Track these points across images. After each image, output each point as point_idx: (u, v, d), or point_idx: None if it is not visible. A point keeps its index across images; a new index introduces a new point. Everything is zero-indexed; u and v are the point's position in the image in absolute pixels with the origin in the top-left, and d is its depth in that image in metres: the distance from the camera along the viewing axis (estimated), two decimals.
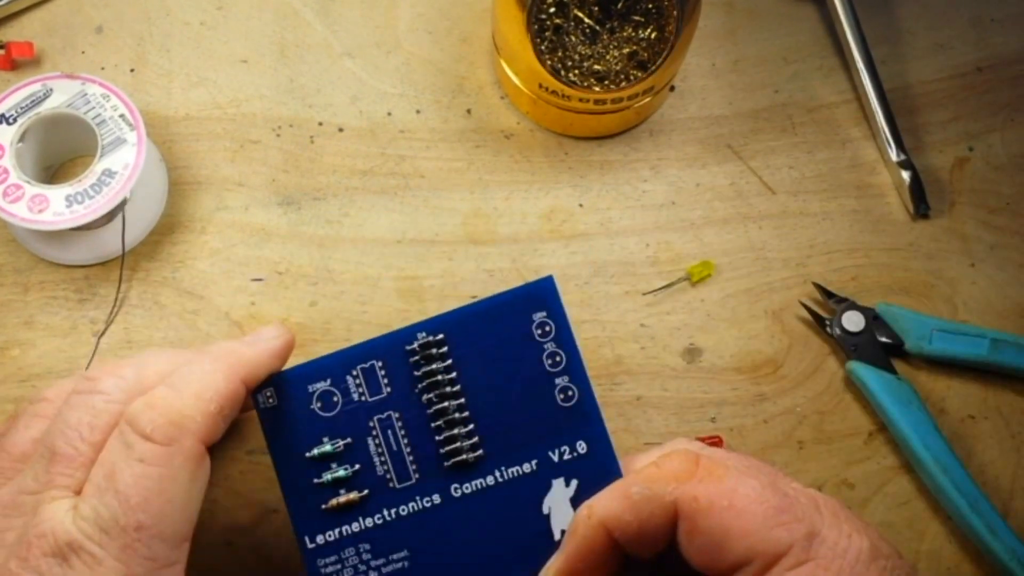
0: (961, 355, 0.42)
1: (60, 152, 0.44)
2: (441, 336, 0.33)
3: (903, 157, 0.46)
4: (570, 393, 0.33)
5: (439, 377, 0.33)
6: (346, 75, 0.47)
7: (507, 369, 0.33)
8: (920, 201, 0.45)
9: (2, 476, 0.30)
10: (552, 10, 0.40)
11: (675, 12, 0.40)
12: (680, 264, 0.44)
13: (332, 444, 0.33)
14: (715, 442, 0.41)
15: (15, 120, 0.41)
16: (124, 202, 0.41)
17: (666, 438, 0.41)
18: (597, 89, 0.42)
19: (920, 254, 0.45)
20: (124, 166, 0.40)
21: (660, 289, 0.44)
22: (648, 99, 0.44)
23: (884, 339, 0.42)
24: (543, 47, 0.41)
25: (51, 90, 0.41)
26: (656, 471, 0.29)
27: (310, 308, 0.43)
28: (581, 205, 0.45)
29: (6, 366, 0.41)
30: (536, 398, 0.33)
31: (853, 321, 0.42)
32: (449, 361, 0.33)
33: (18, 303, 0.42)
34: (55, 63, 0.46)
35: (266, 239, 0.44)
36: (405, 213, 0.44)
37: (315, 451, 0.33)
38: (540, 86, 0.43)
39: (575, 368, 0.33)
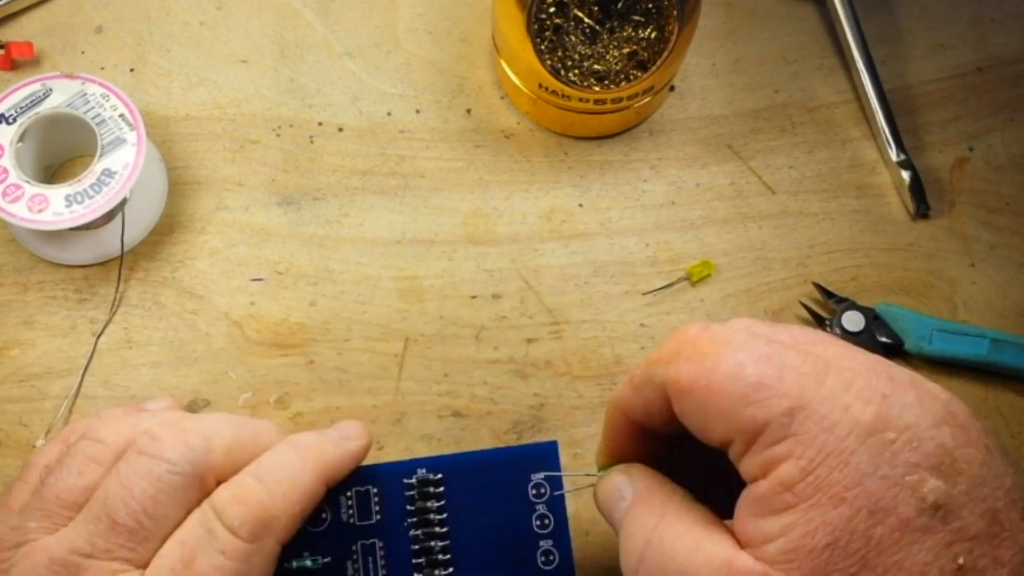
0: (961, 355, 0.42)
1: (60, 152, 0.44)
2: (440, 476, 0.33)
3: (903, 157, 0.46)
4: (551, 557, 0.33)
5: (430, 516, 0.33)
6: (346, 75, 0.47)
7: (496, 521, 0.33)
8: (920, 201, 0.45)
9: (50, 521, 0.30)
10: (552, 10, 0.40)
11: (675, 12, 0.40)
12: (680, 264, 0.44)
13: (312, 560, 0.32)
14: None
15: (15, 120, 0.41)
16: (124, 202, 0.41)
17: None
18: (597, 89, 0.42)
19: (920, 254, 0.45)
20: (124, 166, 0.40)
21: (660, 289, 0.44)
22: (648, 99, 0.44)
23: (884, 339, 0.43)
24: (543, 47, 0.41)
25: (51, 90, 0.41)
26: (656, 353, 0.28)
27: (310, 308, 0.43)
28: (581, 205, 0.45)
29: (5, 366, 0.41)
30: (519, 554, 0.33)
31: (853, 321, 0.42)
32: (443, 502, 0.33)
33: (17, 303, 0.42)
34: (55, 63, 0.46)
35: (266, 239, 0.44)
36: (405, 213, 0.44)
37: (294, 563, 0.32)
38: (540, 86, 0.43)
39: (561, 534, 0.34)
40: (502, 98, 0.47)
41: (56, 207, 0.40)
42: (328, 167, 0.45)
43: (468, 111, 0.47)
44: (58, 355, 0.41)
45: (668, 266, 0.44)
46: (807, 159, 0.47)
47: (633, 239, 0.45)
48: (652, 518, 0.27)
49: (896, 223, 0.46)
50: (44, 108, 0.41)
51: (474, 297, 0.43)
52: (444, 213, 0.45)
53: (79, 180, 0.40)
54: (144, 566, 0.28)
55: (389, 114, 0.46)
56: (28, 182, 0.40)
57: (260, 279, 0.43)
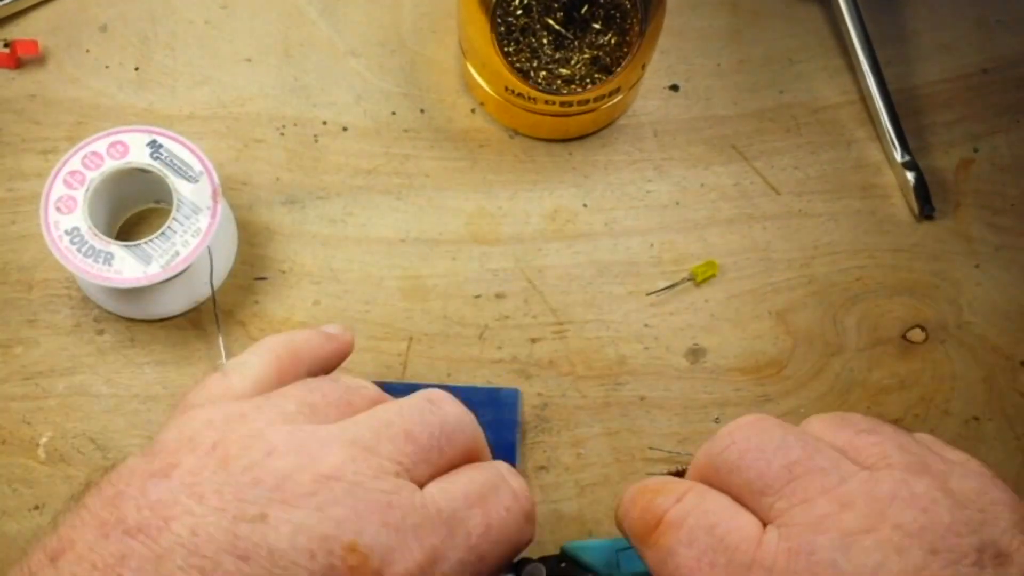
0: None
1: (125, 207, 0.43)
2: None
3: (908, 158, 0.46)
4: None
5: None
6: (350, 74, 0.47)
7: None
8: (925, 202, 0.45)
9: (313, 413, 0.29)
10: (519, 12, 0.40)
11: (637, 16, 0.40)
12: (684, 264, 0.44)
13: None
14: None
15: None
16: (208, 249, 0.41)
17: (669, 439, 0.41)
18: (564, 92, 0.42)
19: (925, 255, 0.45)
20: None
21: (664, 290, 0.44)
22: (616, 99, 0.44)
23: None
24: (508, 50, 0.41)
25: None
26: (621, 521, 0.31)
27: (313, 307, 0.43)
28: (585, 205, 0.45)
29: (9, 364, 0.41)
30: None
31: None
32: None
33: (21, 301, 0.42)
34: (60, 62, 0.46)
35: (270, 238, 0.44)
36: (409, 212, 0.44)
37: None
38: (506, 89, 0.43)
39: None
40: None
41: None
42: (332, 166, 0.45)
43: (472, 111, 0.47)
44: (62, 353, 0.41)
45: (672, 266, 0.44)
46: (812, 160, 0.47)
47: (637, 239, 0.45)
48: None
49: (901, 224, 0.46)
50: (108, 166, 0.40)
51: (478, 297, 0.43)
52: (448, 212, 0.45)
53: (163, 232, 0.40)
54: (419, 485, 0.28)
55: (393, 113, 0.46)
56: (99, 237, 0.39)
57: (264, 278, 0.43)
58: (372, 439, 0.28)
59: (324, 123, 0.46)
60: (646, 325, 0.43)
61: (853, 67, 0.48)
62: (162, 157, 0.40)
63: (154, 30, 0.47)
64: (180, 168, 0.40)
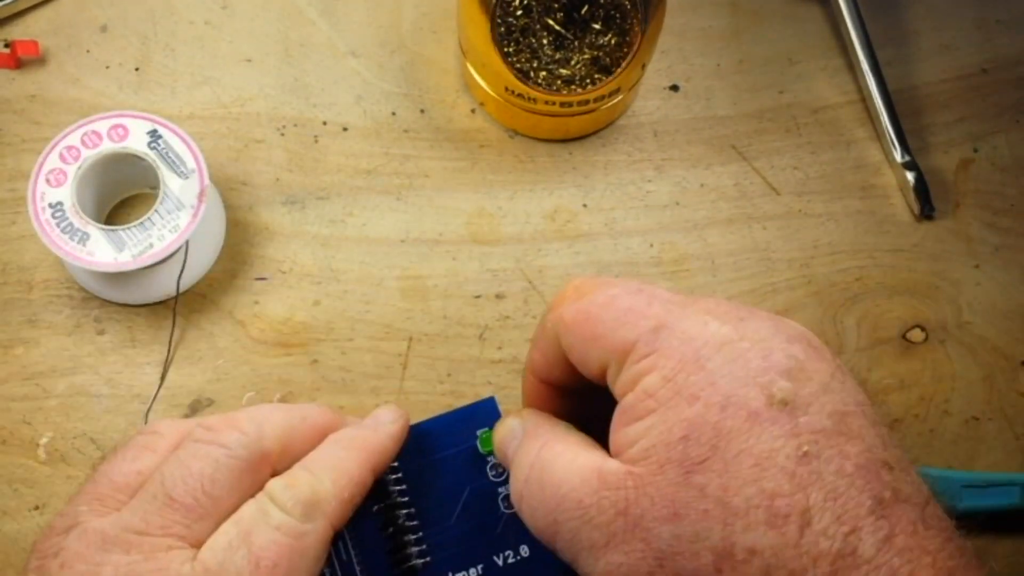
0: (993, 507, 0.40)
1: (117, 190, 0.43)
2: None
3: (908, 158, 0.46)
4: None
5: (389, 488, 0.34)
6: (350, 74, 0.47)
7: (453, 481, 0.34)
8: (925, 202, 0.45)
9: (102, 504, 0.30)
10: (519, 13, 0.40)
11: (638, 17, 0.40)
12: (684, 264, 0.44)
13: None
14: None
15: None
16: (186, 244, 0.41)
17: None
18: (564, 93, 0.42)
19: (925, 255, 0.45)
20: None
21: None
22: (617, 99, 0.44)
23: None
24: (509, 50, 0.41)
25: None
26: (549, 306, 0.31)
27: (314, 307, 0.43)
28: (585, 205, 0.45)
29: (10, 364, 0.41)
30: (482, 506, 0.34)
31: None
32: (399, 474, 0.34)
33: (21, 301, 0.42)
34: (60, 62, 0.46)
35: (270, 238, 0.44)
36: (409, 213, 0.44)
37: None
38: (506, 89, 0.43)
39: None
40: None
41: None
42: (332, 166, 0.45)
43: (472, 111, 0.47)
44: (62, 353, 0.41)
45: (672, 267, 0.44)
46: (811, 160, 0.47)
47: (637, 239, 0.45)
48: (536, 444, 0.29)
49: (900, 224, 0.46)
50: (104, 148, 0.40)
51: (478, 297, 0.43)
52: (448, 213, 0.45)
53: (142, 222, 0.40)
54: (198, 546, 0.29)
55: (393, 114, 0.46)
56: (88, 222, 0.39)
57: (264, 278, 0.43)
58: (141, 523, 0.29)
59: (324, 123, 0.46)
60: None
61: (853, 67, 0.48)
62: (159, 148, 0.41)
63: (154, 30, 0.47)
64: (173, 162, 0.40)
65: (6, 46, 0.45)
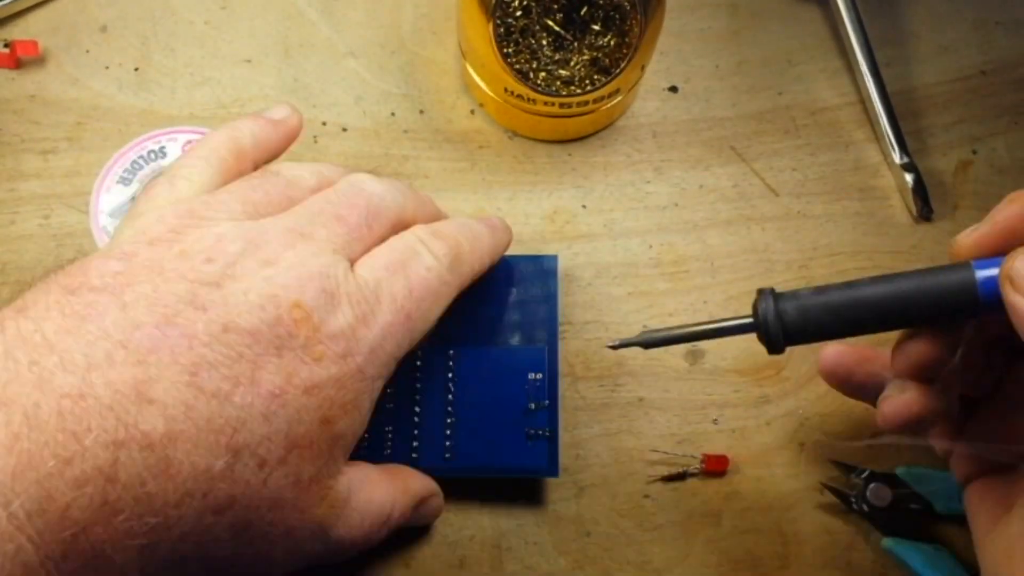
0: None
1: None
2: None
3: (906, 160, 0.46)
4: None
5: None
6: (350, 75, 0.47)
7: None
8: (923, 204, 0.45)
9: (255, 209, 0.32)
10: (518, 14, 0.40)
11: (638, 18, 0.40)
12: (683, 266, 0.44)
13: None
14: (721, 461, 0.41)
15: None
16: None
17: (668, 440, 0.41)
18: (564, 94, 0.42)
19: (923, 257, 0.45)
20: None
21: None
22: (616, 100, 0.44)
23: (914, 506, 0.40)
24: (508, 51, 0.41)
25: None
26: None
27: None
28: (584, 206, 0.45)
29: None
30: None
31: (879, 496, 0.40)
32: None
33: None
34: (59, 62, 0.46)
35: None
36: None
37: None
38: (506, 90, 0.43)
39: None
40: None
41: None
42: None
43: (471, 112, 0.47)
44: None
45: (671, 268, 0.44)
46: (810, 161, 0.47)
47: (636, 240, 0.45)
48: None
49: (899, 226, 0.46)
50: (166, 163, 0.41)
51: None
52: (448, 214, 0.45)
53: None
54: (352, 261, 0.32)
55: (393, 114, 0.46)
56: None
57: None
58: (308, 226, 0.32)
59: (324, 124, 0.46)
60: (645, 326, 0.43)
61: (852, 69, 0.48)
62: None
63: (154, 31, 0.47)
64: None
65: (5, 46, 0.45)
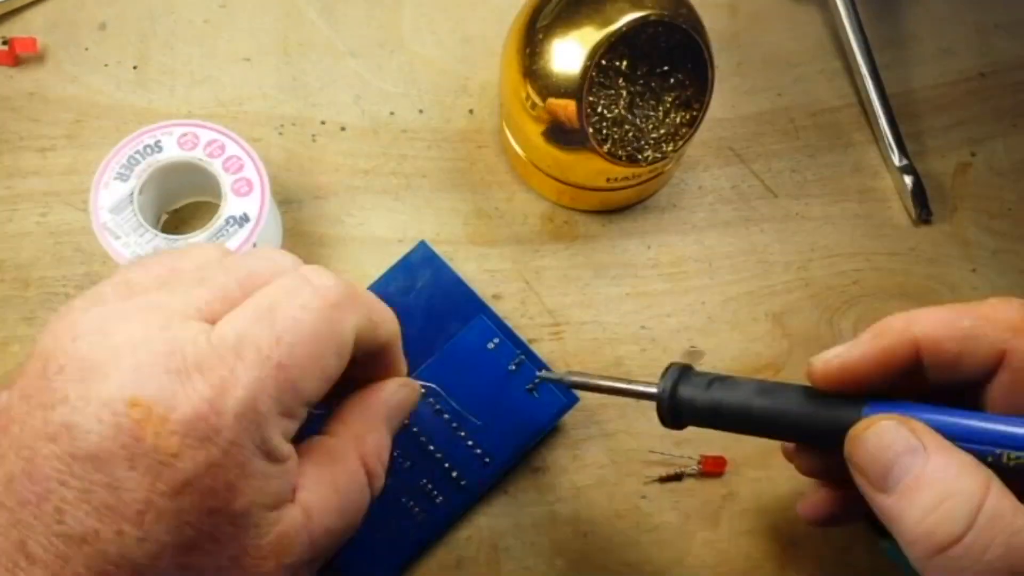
0: None
1: (172, 198, 0.43)
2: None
3: (905, 162, 0.46)
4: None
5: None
6: (349, 74, 0.47)
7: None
8: (922, 206, 0.45)
9: (128, 289, 0.29)
10: (612, 106, 0.40)
11: (707, 54, 0.39)
12: (681, 267, 0.44)
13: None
14: (719, 462, 0.41)
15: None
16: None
17: (666, 441, 0.41)
18: (646, 165, 0.41)
19: (922, 259, 0.45)
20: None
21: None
22: (661, 171, 0.43)
23: None
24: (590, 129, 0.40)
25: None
26: (991, 312, 0.29)
27: None
28: None
29: (6, 362, 0.41)
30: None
31: None
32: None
33: (18, 299, 0.42)
34: (58, 60, 0.46)
35: None
36: (407, 213, 0.44)
37: None
38: (608, 179, 0.42)
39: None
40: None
41: None
42: (330, 166, 0.45)
43: (471, 111, 0.47)
44: None
45: (670, 268, 0.44)
46: (809, 163, 0.47)
47: (635, 241, 0.45)
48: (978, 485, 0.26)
49: (898, 228, 0.46)
50: (162, 157, 0.40)
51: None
52: (446, 213, 0.45)
53: (206, 229, 0.40)
54: (214, 322, 0.28)
55: (392, 114, 0.46)
56: (149, 231, 0.39)
57: None
58: (166, 296, 0.28)
59: (322, 123, 0.46)
60: (643, 327, 0.43)
61: (851, 71, 0.48)
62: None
63: (153, 29, 0.47)
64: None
65: (4, 43, 0.45)
